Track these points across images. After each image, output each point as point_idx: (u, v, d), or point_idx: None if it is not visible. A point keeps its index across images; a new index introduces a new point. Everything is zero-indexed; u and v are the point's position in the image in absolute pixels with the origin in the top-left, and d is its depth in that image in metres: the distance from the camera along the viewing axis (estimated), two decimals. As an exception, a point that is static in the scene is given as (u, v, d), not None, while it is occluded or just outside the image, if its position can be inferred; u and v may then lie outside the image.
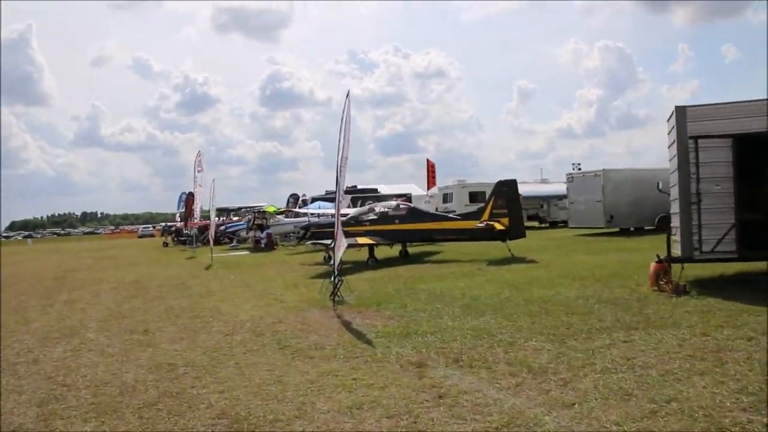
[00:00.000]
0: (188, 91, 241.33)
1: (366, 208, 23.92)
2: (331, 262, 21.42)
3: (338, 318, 10.25)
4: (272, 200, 46.04)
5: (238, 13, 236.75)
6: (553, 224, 41.63)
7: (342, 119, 11.94)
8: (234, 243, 36.24)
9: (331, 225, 23.93)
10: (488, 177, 45.41)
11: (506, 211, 19.50)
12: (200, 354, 8.20)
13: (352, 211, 24.40)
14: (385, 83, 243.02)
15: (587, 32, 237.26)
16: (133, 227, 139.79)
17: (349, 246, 21.31)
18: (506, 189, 19.99)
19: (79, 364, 8.00)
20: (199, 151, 35.36)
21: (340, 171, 11.96)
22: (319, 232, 23.24)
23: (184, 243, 41.36)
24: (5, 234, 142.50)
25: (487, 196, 41.18)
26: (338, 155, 11.88)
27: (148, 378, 7.11)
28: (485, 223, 19.48)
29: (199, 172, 34.14)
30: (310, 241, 22.26)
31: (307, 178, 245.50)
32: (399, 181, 53.66)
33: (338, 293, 12.04)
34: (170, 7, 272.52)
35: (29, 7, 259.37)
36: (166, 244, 45.04)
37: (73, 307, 13.70)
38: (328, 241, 19.72)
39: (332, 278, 12.45)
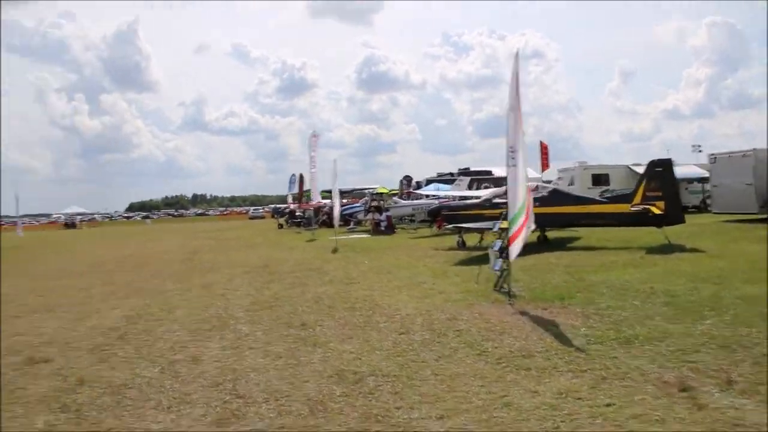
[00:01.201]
0: (286, 76, 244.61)
1: (501, 189, 22.27)
2: (467, 246, 20.34)
3: (522, 315, 8.79)
4: (372, 183, 44.80)
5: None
6: (684, 209, 38.45)
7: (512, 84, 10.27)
8: (351, 225, 35.38)
9: (463, 208, 22.63)
10: (591, 160, 42.99)
11: (661, 193, 17.44)
12: (382, 359, 6.93)
13: (485, 193, 22.82)
14: (481, 65, 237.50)
15: (692, 9, 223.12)
16: (241, 209, 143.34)
17: (483, 230, 19.92)
18: (661, 169, 17.89)
19: (246, 367, 6.89)
20: (314, 132, 34.59)
21: (517, 143, 10.13)
22: (451, 215, 21.86)
23: (298, 225, 41.03)
24: (126, 214, 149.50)
25: (611, 179, 39.12)
26: (514, 126, 10.11)
27: (335, 391, 5.89)
28: (641, 206, 17.48)
29: (314, 152, 33.39)
30: (450, 225, 20.82)
31: (406, 161, 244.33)
32: (499, 164, 51.45)
33: (505, 284, 10.60)
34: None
35: (136, 1, 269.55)
36: (281, 226, 44.85)
37: (211, 292, 12.87)
38: (478, 225, 18.38)
39: (496, 267, 11.04)
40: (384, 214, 32.19)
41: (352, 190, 47.65)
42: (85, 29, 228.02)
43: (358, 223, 36.00)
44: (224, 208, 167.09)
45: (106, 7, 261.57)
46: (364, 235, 30.12)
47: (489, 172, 43.50)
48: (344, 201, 45.71)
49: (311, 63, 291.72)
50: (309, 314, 9.80)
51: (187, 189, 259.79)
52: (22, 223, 43.22)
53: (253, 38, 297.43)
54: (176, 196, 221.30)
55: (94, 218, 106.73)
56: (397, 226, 32.33)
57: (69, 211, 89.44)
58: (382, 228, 30.94)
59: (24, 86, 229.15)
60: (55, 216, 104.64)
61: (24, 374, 7.00)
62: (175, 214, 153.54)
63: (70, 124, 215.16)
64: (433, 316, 9.06)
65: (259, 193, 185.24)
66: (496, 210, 19.71)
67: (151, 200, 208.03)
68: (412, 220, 32.81)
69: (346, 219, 36.52)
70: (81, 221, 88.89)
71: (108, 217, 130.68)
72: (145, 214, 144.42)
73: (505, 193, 20.92)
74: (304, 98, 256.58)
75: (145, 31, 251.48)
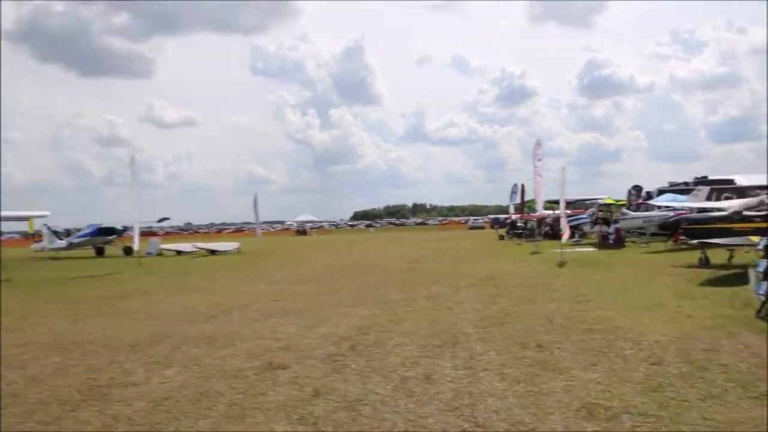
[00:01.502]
0: (505, 84, 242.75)
1: (753, 200, 19.85)
2: (710, 264, 18.27)
3: (802, 351, 7.42)
4: (594, 193, 42.26)
5: (552, 2, 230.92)
6: None
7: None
8: (576, 238, 33.81)
9: (707, 221, 20.46)
10: None
11: None
12: (635, 393, 6.08)
13: (732, 205, 20.43)
14: (716, 63, 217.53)
15: None
16: (459, 218, 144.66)
17: (736, 247, 17.78)
18: None
19: (482, 390, 6.41)
20: (538, 140, 33.48)
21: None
22: (692, 229, 19.87)
23: (519, 236, 40.17)
24: (351, 223, 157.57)
25: None
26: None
27: (585, 428, 5.22)
28: None
29: (539, 161, 32.34)
30: (693, 240, 18.93)
31: (630, 170, 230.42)
32: (740, 172, 46.32)
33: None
34: (486, 3, 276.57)
35: (362, 17, 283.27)
36: (501, 237, 44.26)
37: (437, 304, 12.64)
38: (732, 240, 16.52)
39: (760, 291, 9.58)
40: (612, 227, 30.32)
41: (575, 201, 45.73)
42: (318, 48, 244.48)
43: (583, 235, 34.31)
44: (443, 218, 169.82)
45: (337, 27, 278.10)
46: (591, 249, 28.57)
47: (731, 181, 39.49)
48: (568, 212, 43.97)
49: (531, 70, 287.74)
50: (543, 334, 9.13)
51: (408, 198, 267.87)
52: (261, 230, 46.76)
53: (473, 48, 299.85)
54: (397, 205, 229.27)
55: (322, 226, 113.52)
56: (626, 239, 30.29)
57: (300, 218, 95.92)
58: (611, 241, 29.15)
59: (266, 105, 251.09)
60: (288, 223, 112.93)
61: (264, 379, 7.13)
62: (397, 223, 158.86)
63: (304, 138, 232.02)
64: (688, 345, 7.97)
65: (478, 203, 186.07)
66: (746, 224, 17.60)
67: (373, 209, 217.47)
68: (642, 233, 30.56)
69: (571, 231, 34.96)
70: (311, 228, 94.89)
71: (334, 225, 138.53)
72: (368, 222, 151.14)
73: (758, 204, 18.72)
74: (524, 106, 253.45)
75: (371, 47, 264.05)
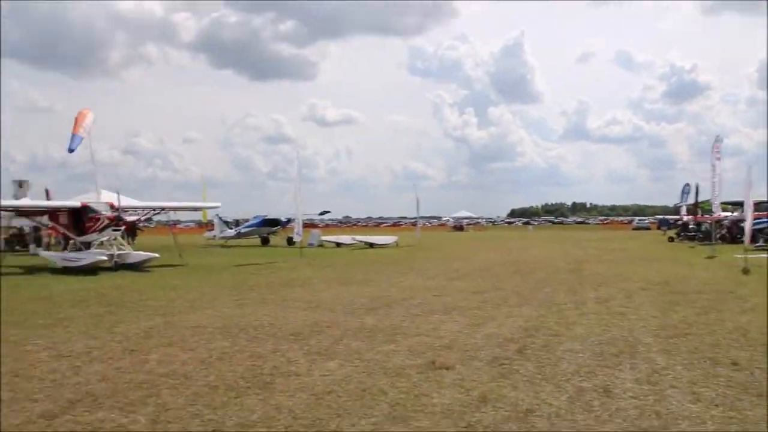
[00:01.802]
0: (674, 80, 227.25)
1: None
2: None
3: None
4: None
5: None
6: None
7: None
8: (760, 243, 30.85)
9: None
10: None
11: None
12: None
13: None
14: None
15: None
16: (622, 218, 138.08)
17: None
18: None
19: (672, 411, 5.63)
20: (718, 137, 30.82)
21: None
22: None
23: (692, 238, 37.44)
24: (508, 220, 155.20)
25: None
26: None
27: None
28: None
29: (717, 159, 29.76)
30: None
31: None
32: None
33: None
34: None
35: (521, 16, 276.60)
36: (671, 239, 41.48)
37: (609, 309, 11.72)
38: None
39: None
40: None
41: (761, 203, 41.81)
42: (476, 48, 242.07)
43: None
44: (604, 217, 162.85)
45: (496, 26, 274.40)
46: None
47: None
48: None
49: (703, 64, 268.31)
50: (738, 350, 8.07)
51: (567, 197, 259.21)
52: (420, 225, 46.81)
53: (638, 43, 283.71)
54: (556, 203, 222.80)
55: (479, 222, 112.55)
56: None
57: (458, 215, 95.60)
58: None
59: (423, 103, 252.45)
60: (444, 219, 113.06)
61: (428, 380, 6.76)
62: (555, 221, 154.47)
63: (461, 136, 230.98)
64: None
65: (641, 203, 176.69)
66: None
67: (531, 207, 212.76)
68: None
69: (754, 235, 31.94)
70: (467, 224, 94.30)
71: (491, 222, 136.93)
72: (525, 220, 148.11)
73: None
74: (695, 102, 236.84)
75: (531, 45, 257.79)
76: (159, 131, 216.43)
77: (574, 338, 8.93)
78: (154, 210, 28.29)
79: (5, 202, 25.56)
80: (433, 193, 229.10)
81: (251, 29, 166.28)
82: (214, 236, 43.57)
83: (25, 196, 33.91)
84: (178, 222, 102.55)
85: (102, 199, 24.66)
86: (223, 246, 40.81)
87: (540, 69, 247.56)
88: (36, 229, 34.32)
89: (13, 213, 28.69)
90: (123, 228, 23.48)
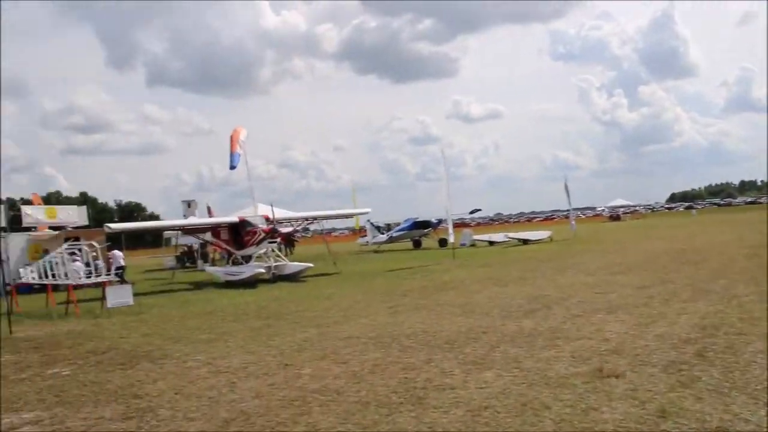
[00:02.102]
0: None
1: None
2: None
3: None
4: None
5: None
6: None
7: None
8: None
9: None
10: None
11: None
12: None
13: None
14: None
15: None
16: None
17: None
18: None
19: None
20: None
21: None
22: None
23: None
24: (667, 205, 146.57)
25: None
26: None
27: None
28: None
29: None
30: None
31: None
32: None
33: None
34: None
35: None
36: None
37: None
38: None
39: None
40: None
41: None
42: (621, 25, 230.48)
43: None
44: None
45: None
46: None
47: None
48: None
49: None
50: None
51: (734, 176, 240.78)
52: (574, 217, 44.91)
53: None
54: (721, 184, 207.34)
55: (637, 210, 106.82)
56: None
57: (613, 203, 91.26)
58: None
59: (569, 89, 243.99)
60: (599, 209, 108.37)
61: (595, 390, 6.13)
62: (721, 203, 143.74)
63: (611, 119, 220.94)
64: None
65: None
66: None
67: (693, 190, 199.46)
68: None
69: None
70: (624, 213, 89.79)
71: (650, 209, 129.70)
72: (687, 204, 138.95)
73: None
74: None
75: (681, 14, 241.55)
76: (310, 142, 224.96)
77: (763, 337, 7.88)
78: (306, 220, 29.06)
79: (175, 222, 27.24)
80: (584, 183, 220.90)
81: (390, 32, 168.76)
82: (367, 242, 44.27)
83: (193, 215, 36.05)
84: (333, 230, 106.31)
85: (259, 212, 25.62)
86: (376, 251, 41.33)
87: (693, 39, 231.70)
88: (203, 245, 36.39)
89: (179, 232, 30.58)
90: (278, 240, 24.23)
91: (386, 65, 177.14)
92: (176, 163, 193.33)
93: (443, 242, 37.45)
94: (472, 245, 38.99)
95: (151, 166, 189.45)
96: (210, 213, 35.78)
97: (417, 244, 43.18)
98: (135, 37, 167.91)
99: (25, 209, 30.53)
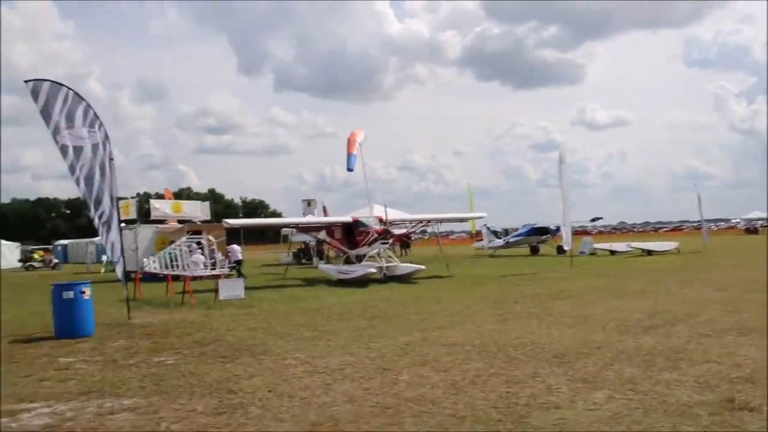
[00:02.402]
0: None
1: None
2: None
3: None
4: None
5: None
6: None
7: None
8: None
9: None
10: None
11: None
12: None
13: None
14: None
15: None
16: None
17: None
18: None
19: None
20: None
21: None
22: None
23: None
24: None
25: None
26: None
27: None
28: None
29: None
30: None
31: None
32: None
33: None
34: None
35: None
36: None
37: None
38: None
39: None
40: None
41: None
42: (766, 29, 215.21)
43: None
44: None
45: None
46: None
47: None
48: None
49: None
50: None
51: None
52: (706, 228, 42.08)
53: None
54: None
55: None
56: None
57: (750, 215, 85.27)
58: None
59: (703, 96, 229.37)
60: (734, 221, 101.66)
61: (722, 423, 5.39)
62: None
63: (749, 128, 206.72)
64: None
65: None
66: None
67: None
68: None
69: None
70: (762, 226, 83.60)
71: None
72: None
73: None
74: None
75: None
76: (430, 147, 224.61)
77: None
78: (420, 222, 28.78)
79: (290, 220, 27.73)
80: (717, 193, 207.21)
81: (514, 39, 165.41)
82: (483, 246, 43.49)
83: (312, 213, 36.67)
84: (452, 233, 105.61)
85: (374, 213, 25.60)
86: (491, 256, 40.50)
87: None
88: (319, 243, 36.94)
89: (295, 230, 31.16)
90: (391, 240, 24.08)
91: (509, 72, 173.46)
92: (299, 164, 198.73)
93: (561, 249, 36.13)
94: (592, 254, 37.40)
95: (275, 166, 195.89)
96: (325, 212, 36.25)
97: (534, 251, 41.94)
98: (265, 45, 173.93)
99: (154, 203, 32.06)
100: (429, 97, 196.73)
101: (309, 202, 39.55)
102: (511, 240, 41.92)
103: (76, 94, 14.14)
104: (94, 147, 14.07)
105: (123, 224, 31.19)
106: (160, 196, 49.99)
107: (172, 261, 19.40)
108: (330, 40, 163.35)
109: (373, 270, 22.10)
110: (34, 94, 13.67)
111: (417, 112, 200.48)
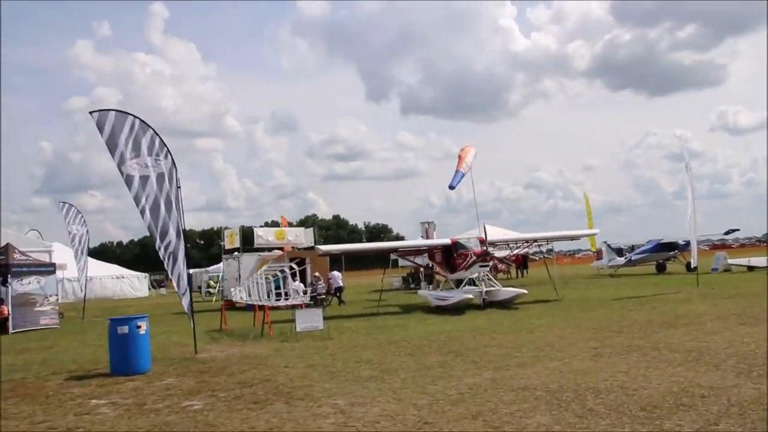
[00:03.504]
0: None
1: None
2: None
3: None
4: None
5: None
6: None
7: None
8: None
9: None
10: None
11: None
12: None
13: None
14: None
15: None
16: None
17: None
18: None
19: None
20: None
21: None
22: None
23: None
24: None
25: None
26: None
27: None
28: None
29: None
30: None
31: None
32: None
33: None
34: None
35: None
36: None
37: None
38: None
39: None
40: None
41: None
42: None
43: None
44: None
45: None
46: None
47: None
48: None
49: None
50: None
51: None
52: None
53: None
54: None
55: None
56: None
57: None
58: None
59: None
60: None
61: None
62: None
63: None
64: None
65: None
66: None
67: None
68: None
69: None
70: None
71: None
72: None
73: None
74: None
75: None
76: (558, 163, 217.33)
77: None
78: (527, 242, 26.88)
79: (382, 245, 26.80)
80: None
81: (647, 43, 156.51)
82: (602, 265, 40.54)
83: (431, 236, 35.23)
84: (578, 251, 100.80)
85: (492, 234, 24.06)
86: (612, 275, 37.62)
87: None
88: (427, 267, 35.62)
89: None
90: (491, 264, 22.43)
91: (641, 79, 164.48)
92: (427, 187, 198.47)
93: (690, 267, 32.86)
94: (726, 270, 33.75)
95: (403, 189, 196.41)
96: (427, 235, 34.90)
97: (661, 268, 38.54)
98: (391, 71, 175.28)
99: (257, 231, 32.00)
100: (556, 111, 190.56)
101: (428, 225, 38.30)
102: (634, 257, 38.70)
103: (143, 122, 13.73)
104: (160, 177, 13.58)
105: (225, 254, 31.66)
106: (275, 224, 50.62)
107: (255, 290, 18.83)
108: (455, 60, 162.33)
109: (471, 296, 20.48)
110: (100, 126, 13.37)
111: (544, 127, 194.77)
